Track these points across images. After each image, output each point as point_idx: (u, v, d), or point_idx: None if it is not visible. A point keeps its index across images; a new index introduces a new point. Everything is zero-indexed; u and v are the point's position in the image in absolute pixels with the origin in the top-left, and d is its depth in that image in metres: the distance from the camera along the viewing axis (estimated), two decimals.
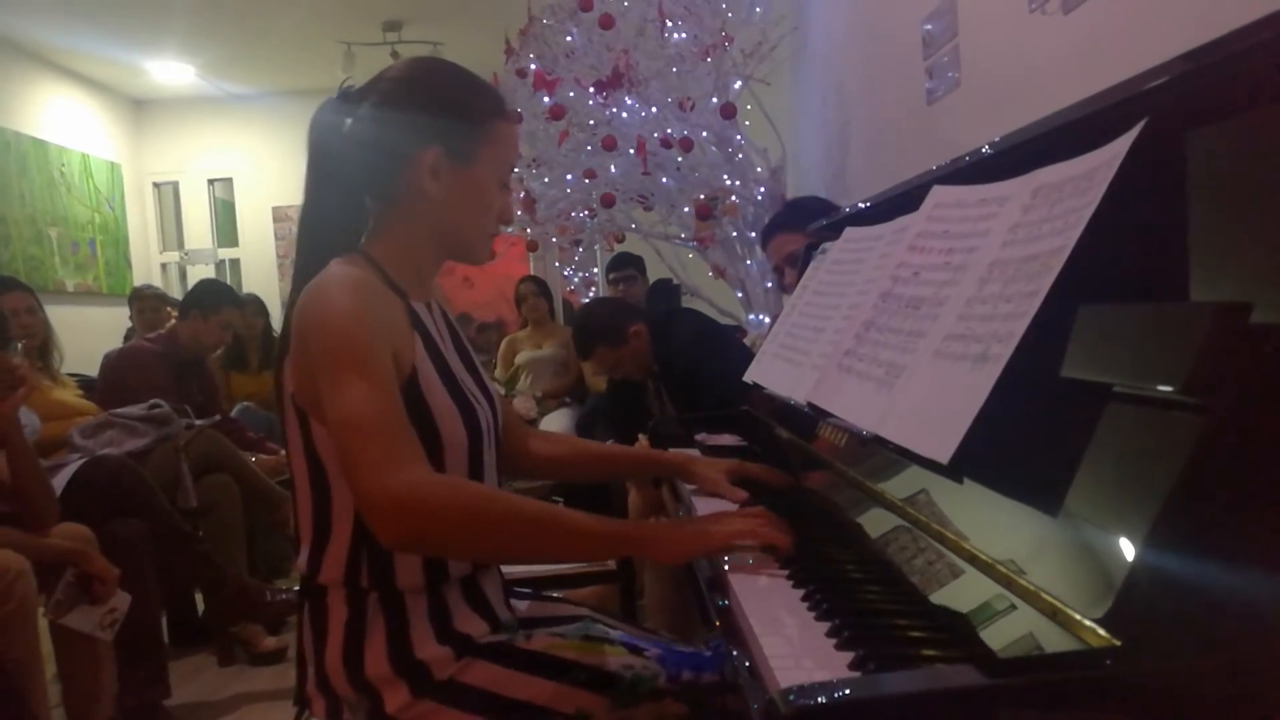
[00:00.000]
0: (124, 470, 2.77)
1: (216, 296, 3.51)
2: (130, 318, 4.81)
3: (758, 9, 3.59)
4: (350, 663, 1.14)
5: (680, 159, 3.58)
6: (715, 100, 3.50)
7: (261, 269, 7.43)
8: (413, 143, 1.18)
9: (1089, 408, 0.78)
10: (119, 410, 3.06)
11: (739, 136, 3.60)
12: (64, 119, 6.45)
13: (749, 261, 3.65)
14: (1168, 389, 0.70)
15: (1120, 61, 1.00)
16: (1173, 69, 0.81)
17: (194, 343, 3.46)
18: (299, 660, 1.22)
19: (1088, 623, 0.65)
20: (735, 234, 3.68)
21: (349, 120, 1.20)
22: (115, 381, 3.32)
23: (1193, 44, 0.78)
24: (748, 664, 0.83)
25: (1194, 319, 0.73)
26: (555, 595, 1.50)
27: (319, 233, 1.21)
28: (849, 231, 1.68)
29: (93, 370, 3.84)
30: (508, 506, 1.07)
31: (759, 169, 3.62)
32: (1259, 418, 0.63)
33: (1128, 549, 0.67)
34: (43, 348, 3.17)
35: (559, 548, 1.15)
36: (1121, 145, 0.86)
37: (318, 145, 1.22)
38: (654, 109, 3.53)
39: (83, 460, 2.77)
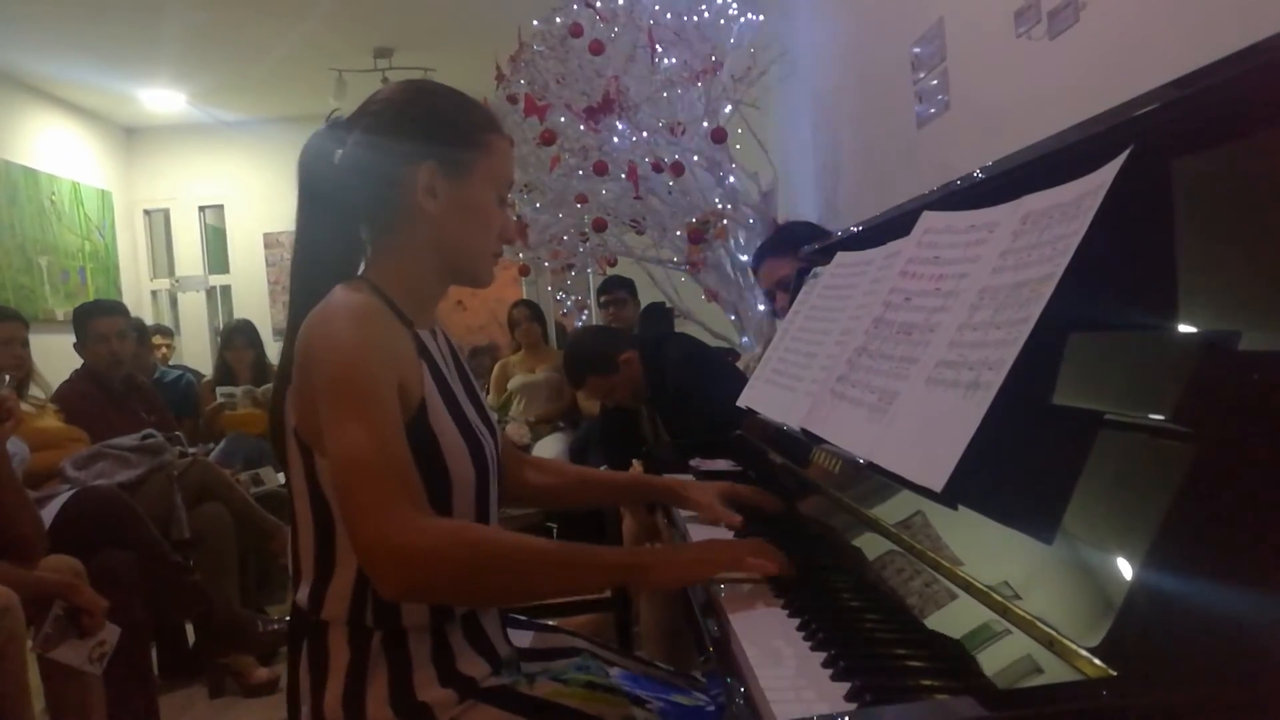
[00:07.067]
0: (113, 501, 2.75)
1: (85, 315, 3.47)
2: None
3: (747, 34, 3.62)
4: (350, 705, 1.11)
5: (671, 183, 3.59)
6: (706, 124, 3.52)
7: (253, 295, 7.42)
8: (407, 161, 1.16)
9: (1081, 435, 0.78)
10: (112, 441, 3.04)
11: (730, 160, 3.62)
12: (54, 147, 6.46)
13: (741, 285, 3.66)
14: (1159, 417, 0.70)
15: (1106, 88, 1.01)
16: (1158, 97, 0.82)
17: (98, 362, 3.41)
18: (290, 696, 1.20)
19: (1083, 652, 0.65)
20: (727, 257, 3.69)
21: (339, 149, 1.18)
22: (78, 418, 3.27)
23: (1178, 72, 0.79)
24: (743, 695, 0.82)
25: (1183, 347, 0.73)
26: (551, 623, 1.49)
27: (313, 264, 1.19)
28: (840, 256, 1.69)
29: None
30: (509, 551, 1.05)
31: (750, 193, 3.64)
32: (1249, 444, 0.63)
33: (1122, 577, 0.67)
34: (24, 381, 3.15)
35: (560, 586, 1.13)
36: (1108, 173, 0.86)
37: (309, 176, 1.20)
38: (645, 134, 3.54)
39: (72, 491, 2.75)
